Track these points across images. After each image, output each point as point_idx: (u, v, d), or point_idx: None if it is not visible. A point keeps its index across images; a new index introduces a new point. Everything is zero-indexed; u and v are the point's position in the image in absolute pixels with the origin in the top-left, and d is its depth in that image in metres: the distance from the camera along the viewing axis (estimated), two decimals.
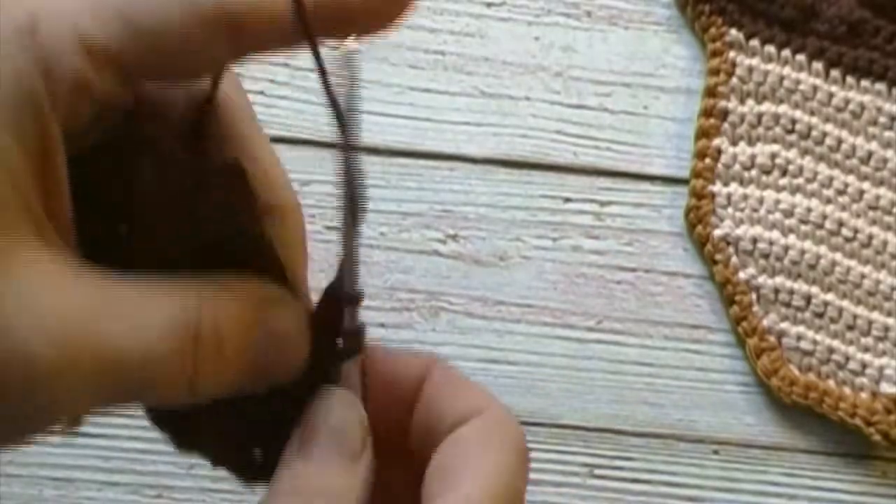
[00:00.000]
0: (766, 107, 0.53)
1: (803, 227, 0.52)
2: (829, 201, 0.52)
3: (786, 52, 0.54)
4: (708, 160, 0.53)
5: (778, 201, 0.52)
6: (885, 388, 0.50)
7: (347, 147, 0.26)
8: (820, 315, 0.51)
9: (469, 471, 0.26)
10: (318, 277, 0.47)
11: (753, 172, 0.52)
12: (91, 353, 0.24)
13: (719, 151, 0.53)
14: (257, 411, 0.28)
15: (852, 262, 0.51)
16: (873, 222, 0.52)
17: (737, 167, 0.53)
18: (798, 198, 0.52)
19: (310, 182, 0.50)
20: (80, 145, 0.26)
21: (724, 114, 0.53)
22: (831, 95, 0.54)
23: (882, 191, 0.53)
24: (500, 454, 0.26)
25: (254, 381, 0.26)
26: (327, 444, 0.27)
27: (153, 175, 0.26)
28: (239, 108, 0.29)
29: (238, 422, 0.28)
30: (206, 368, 0.25)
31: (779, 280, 0.51)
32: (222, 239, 0.26)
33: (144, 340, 0.24)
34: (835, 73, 0.54)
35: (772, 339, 0.50)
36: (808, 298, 0.51)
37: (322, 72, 0.26)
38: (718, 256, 0.51)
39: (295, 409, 0.27)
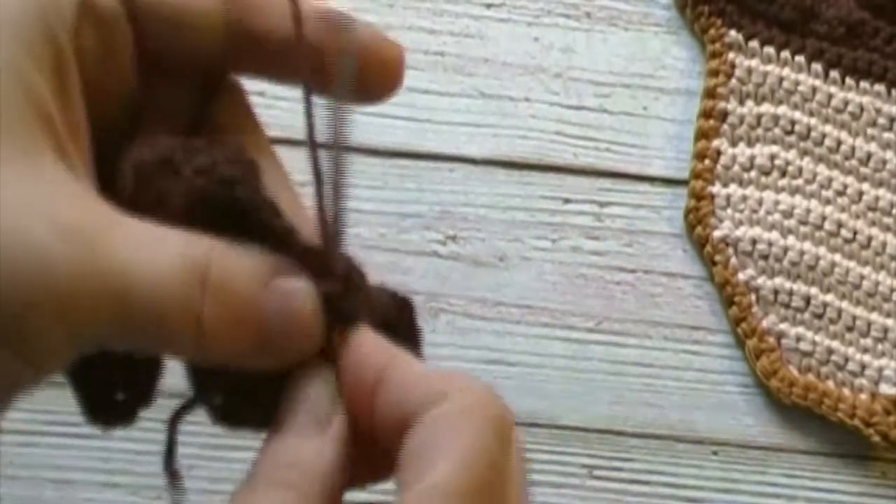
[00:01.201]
0: (766, 108, 0.53)
1: (802, 229, 0.52)
2: (828, 202, 0.52)
3: (785, 54, 0.54)
4: (707, 161, 0.53)
5: (777, 202, 0.52)
6: (885, 389, 0.50)
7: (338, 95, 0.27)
8: (819, 316, 0.51)
9: (441, 456, 0.24)
10: None
11: (753, 174, 0.53)
12: (108, 264, 0.24)
13: (719, 153, 0.53)
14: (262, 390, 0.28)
15: (851, 263, 0.51)
16: (873, 223, 0.52)
17: (736, 168, 0.53)
18: (797, 199, 0.52)
19: (308, 183, 0.50)
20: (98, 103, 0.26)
21: (724, 115, 0.53)
22: (830, 97, 0.54)
23: (881, 192, 0.53)
24: (476, 434, 0.25)
25: (262, 354, 0.26)
26: (296, 416, 0.27)
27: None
28: (244, 98, 0.29)
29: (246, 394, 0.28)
30: (212, 316, 0.25)
31: (778, 281, 0.51)
32: (233, 213, 0.26)
33: (153, 268, 0.24)
34: (834, 74, 0.54)
35: (771, 340, 0.50)
36: (807, 299, 0.51)
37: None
38: (718, 257, 0.51)
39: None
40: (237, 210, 0.26)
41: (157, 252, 0.25)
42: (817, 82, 0.54)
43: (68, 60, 0.25)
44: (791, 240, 0.51)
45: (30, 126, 0.24)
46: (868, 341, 0.51)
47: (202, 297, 0.25)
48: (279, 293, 0.26)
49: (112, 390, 0.29)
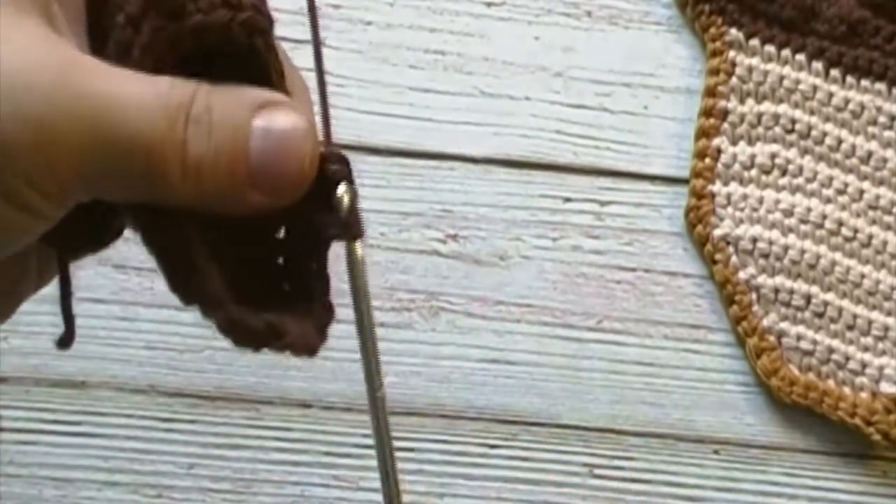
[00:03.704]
0: (766, 106, 0.53)
1: (803, 227, 0.52)
2: (828, 201, 0.52)
3: (786, 52, 0.54)
4: (708, 160, 0.53)
5: (778, 201, 0.52)
6: (885, 387, 0.50)
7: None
8: (820, 315, 0.51)
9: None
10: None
11: (753, 172, 0.53)
12: (84, 95, 0.23)
13: (719, 151, 0.53)
14: (253, 241, 0.27)
15: (852, 262, 0.51)
16: (873, 222, 0.52)
17: (737, 167, 0.53)
18: (798, 197, 0.52)
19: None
20: None
21: (724, 113, 0.53)
22: (831, 95, 0.54)
23: (882, 190, 0.53)
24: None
25: (250, 192, 0.25)
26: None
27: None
28: None
29: (236, 249, 0.27)
30: (197, 148, 0.24)
31: (779, 280, 0.51)
32: (216, 49, 0.25)
33: (136, 100, 0.23)
34: (835, 72, 0.54)
35: (772, 338, 0.50)
36: (807, 298, 0.51)
37: None
38: (718, 256, 0.51)
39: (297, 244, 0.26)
40: (242, 53, 0.25)
41: (141, 87, 0.24)
42: (818, 81, 0.54)
43: None
44: (791, 238, 0.51)
45: None
46: (869, 340, 0.51)
47: (185, 127, 0.24)
48: (270, 126, 0.25)
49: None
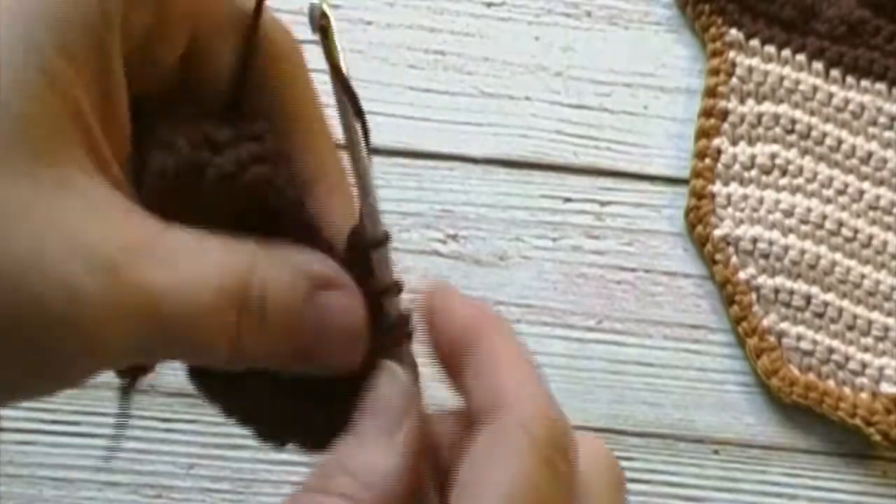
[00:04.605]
0: (766, 107, 0.53)
1: (803, 227, 0.52)
2: (829, 201, 0.52)
3: (786, 52, 0.54)
4: (708, 160, 0.53)
5: (778, 201, 0.52)
6: (885, 388, 0.50)
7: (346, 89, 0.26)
8: (820, 315, 0.51)
9: (487, 495, 0.24)
10: None
11: (753, 172, 0.52)
12: (136, 292, 0.23)
13: (719, 151, 0.53)
14: (308, 388, 0.27)
15: (852, 262, 0.51)
16: (873, 222, 0.52)
17: (737, 167, 0.53)
18: (798, 198, 0.52)
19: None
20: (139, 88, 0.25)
21: (724, 114, 0.53)
22: (831, 95, 0.54)
23: (882, 191, 0.53)
24: (511, 464, 0.24)
25: (303, 361, 0.25)
26: (365, 420, 0.26)
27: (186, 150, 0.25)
28: (285, 57, 0.27)
29: (284, 395, 0.27)
30: (249, 330, 0.24)
31: (779, 280, 0.51)
32: (266, 210, 0.25)
33: (187, 289, 0.23)
34: (835, 72, 0.54)
35: (772, 339, 0.50)
36: (808, 298, 0.51)
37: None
38: (718, 256, 0.51)
39: (345, 388, 0.26)
40: (269, 210, 0.25)
41: (191, 270, 0.23)
42: (818, 81, 0.54)
43: (111, 57, 0.23)
44: (792, 239, 0.51)
45: (58, 127, 0.23)
46: (869, 340, 0.51)
47: (239, 311, 0.24)
48: (321, 307, 0.25)
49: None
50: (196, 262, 0.24)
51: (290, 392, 0.27)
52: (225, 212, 0.25)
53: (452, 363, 0.27)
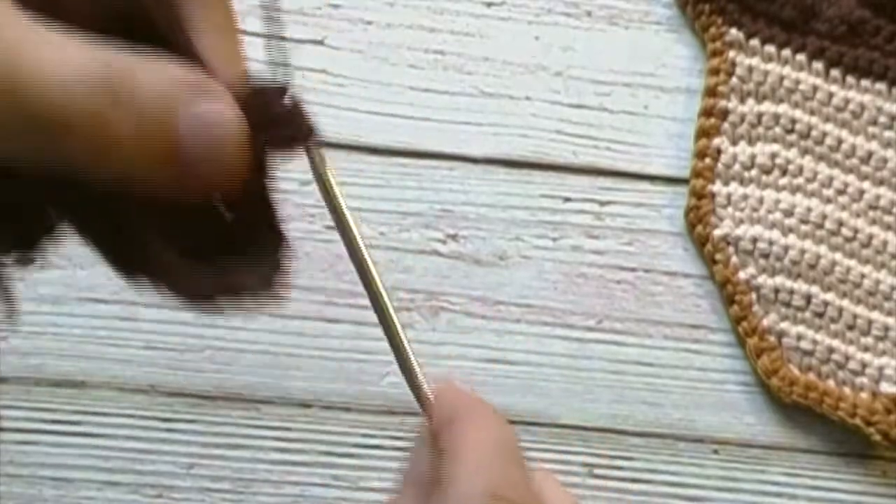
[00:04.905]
0: (766, 106, 0.53)
1: (803, 227, 0.52)
2: (829, 201, 0.52)
3: (786, 52, 0.54)
4: (708, 160, 0.53)
5: (778, 201, 0.52)
6: (885, 387, 0.50)
7: None
8: (820, 315, 0.51)
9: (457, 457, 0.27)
10: (318, 277, 0.47)
11: (753, 172, 0.52)
12: (14, 71, 0.22)
13: (719, 151, 0.53)
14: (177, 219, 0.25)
15: (852, 262, 0.51)
16: (873, 222, 0.52)
17: (737, 167, 0.53)
18: (798, 197, 0.52)
19: (309, 182, 0.50)
20: None
21: (724, 113, 0.53)
22: (831, 95, 0.54)
23: (882, 190, 0.53)
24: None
25: (178, 177, 0.24)
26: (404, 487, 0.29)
27: None
28: None
29: (147, 225, 0.25)
30: (123, 125, 0.23)
31: (779, 280, 0.51)
32: (132, 14, 0.24)
33: (60, 68, 0.22)
34: (835, 72, 0.54)
35: (772, 338, 0.50)
36: (808, 298, 0.51)
37: None
38: (718, 256, 0.51)
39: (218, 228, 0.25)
40: (146, 21, 0.24)
41: (63, 55, 0.22)
42: (818, 81, 0.54)
43: None
44: (792, 238, 0.51)
45: None
46: (869, 340, 0.51)
47: (111, 104, 0.23)
48: (198, 115, 0.24)
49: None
50: (64, 45, 0.23)
51: (157, 225, 0.25)
52: (99, 19, 0.24)
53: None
